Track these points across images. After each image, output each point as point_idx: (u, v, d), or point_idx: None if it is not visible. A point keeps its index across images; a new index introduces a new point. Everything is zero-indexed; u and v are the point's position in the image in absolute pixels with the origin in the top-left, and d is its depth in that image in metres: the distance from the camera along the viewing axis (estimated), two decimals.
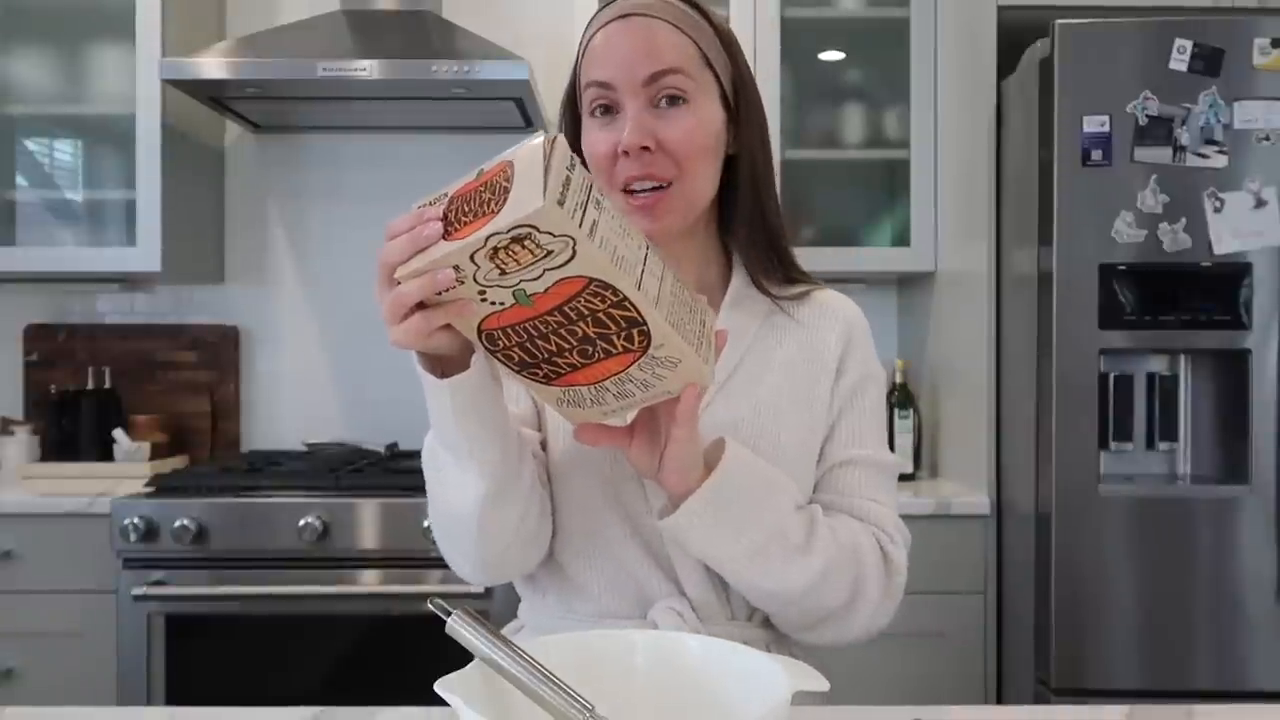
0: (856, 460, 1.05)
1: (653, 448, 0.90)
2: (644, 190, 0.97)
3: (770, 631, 1.04)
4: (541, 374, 0.83)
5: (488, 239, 0.71)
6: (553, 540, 1.02)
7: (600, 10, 1.02)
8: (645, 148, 0.96)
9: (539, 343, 0.79)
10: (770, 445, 1.00)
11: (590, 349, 0.80)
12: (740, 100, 1.03)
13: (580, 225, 0.71)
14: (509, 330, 0.78)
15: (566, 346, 0.80)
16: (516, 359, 0.82)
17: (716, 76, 1.01)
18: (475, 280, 0.74)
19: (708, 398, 1.01)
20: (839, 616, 0.99)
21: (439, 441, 0.91)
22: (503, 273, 0.73)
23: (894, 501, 1.07)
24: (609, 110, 0.99)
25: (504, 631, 1.09)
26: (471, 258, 0.72)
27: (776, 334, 1.07)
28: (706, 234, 1.08)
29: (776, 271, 1.08)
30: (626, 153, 0.96)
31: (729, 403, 1.02)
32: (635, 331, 0.79)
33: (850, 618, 1.00)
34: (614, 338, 0.79)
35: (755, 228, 1.05)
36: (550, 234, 0.70)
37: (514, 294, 0.75)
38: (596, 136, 0.99)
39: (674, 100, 0.97)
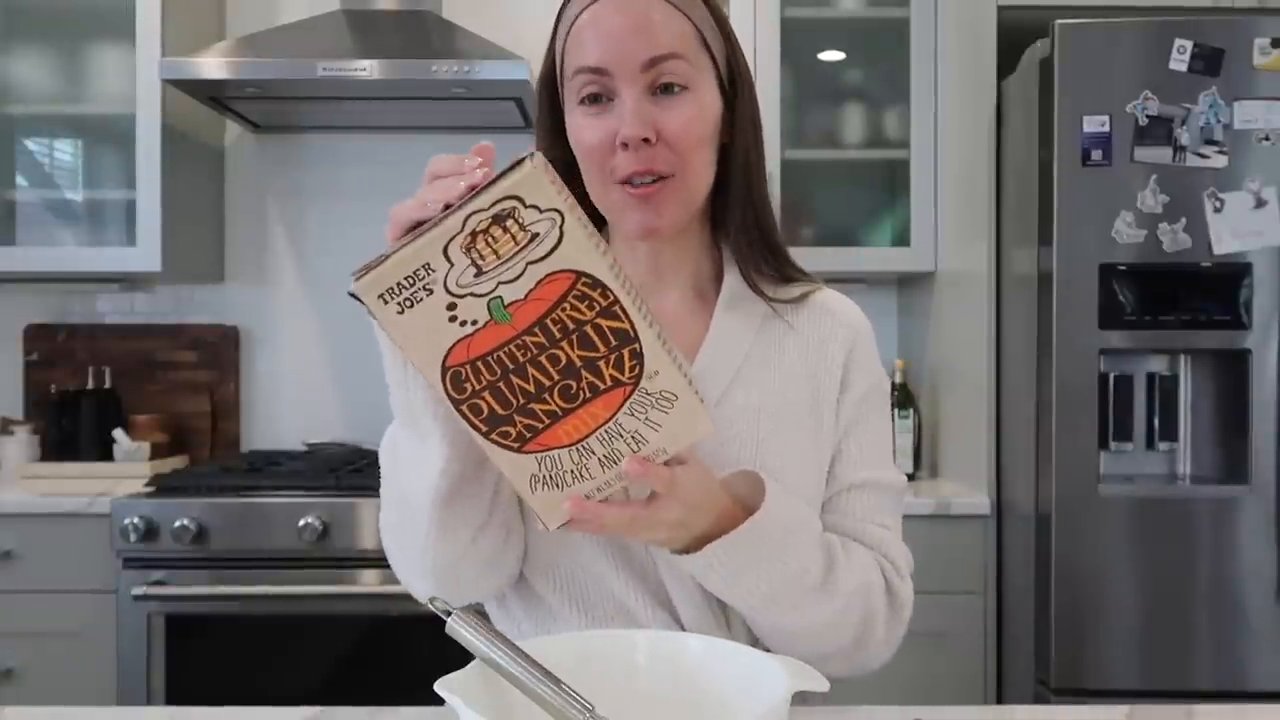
0: (867, 484, 0.98)
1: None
2: (644, 183, 0.90)
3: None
4: (515, 433, 0.72)
5: (466, 219, 0.64)
6: (526, 566, 0.94)
7: None
8: (646, 139, 0.88)
9: (514, 381, 0.70)
10: (776, 465, 0.92)
11: (574, 386, 0.71)
12: (737, 86, 0.96)
13: (565, 200, 0.66)
14: (480, 365, 0.69)
15: (547, 384, 0.71)
16: (486, 411, 0.71)
17: (713, 59, 0.93)
18: (446, 289, 0.66)
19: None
20: (845, 654, 0.94)
21: (400, 418, 0.84)
22: (479, 271, 0.66)
23: (899, 518, 1.01)
24: (601, 97, 0.90)
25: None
26: (445, 251, 0.65)
27: (775, 340, 0.99)
28: (700, 229, 1.00)
29: (770, 269, 0.99)
30: (625, 145, 0.88)
31: (730, 416, 0.94)
32: (626, 353, 0.71)
33: (856, 655, 0.95)
34: (601, 365, 0.71)
35: (748, 222, 0.97)
36: (536, 208, 0.65)
37: (489, 306, 0.67)
38: (588, 125, 0.90)
39: (674, 87, 0.89)
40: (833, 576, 0.89)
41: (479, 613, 0.73)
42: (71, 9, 2.59)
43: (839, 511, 0.98)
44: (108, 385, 2.65)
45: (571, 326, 0.69)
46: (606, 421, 0.73)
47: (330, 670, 2.09)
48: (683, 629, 0.91)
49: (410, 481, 0.85)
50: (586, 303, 0.69)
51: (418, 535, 0.86)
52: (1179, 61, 1.92)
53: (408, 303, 0.66)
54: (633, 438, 0.74)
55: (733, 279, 1.00)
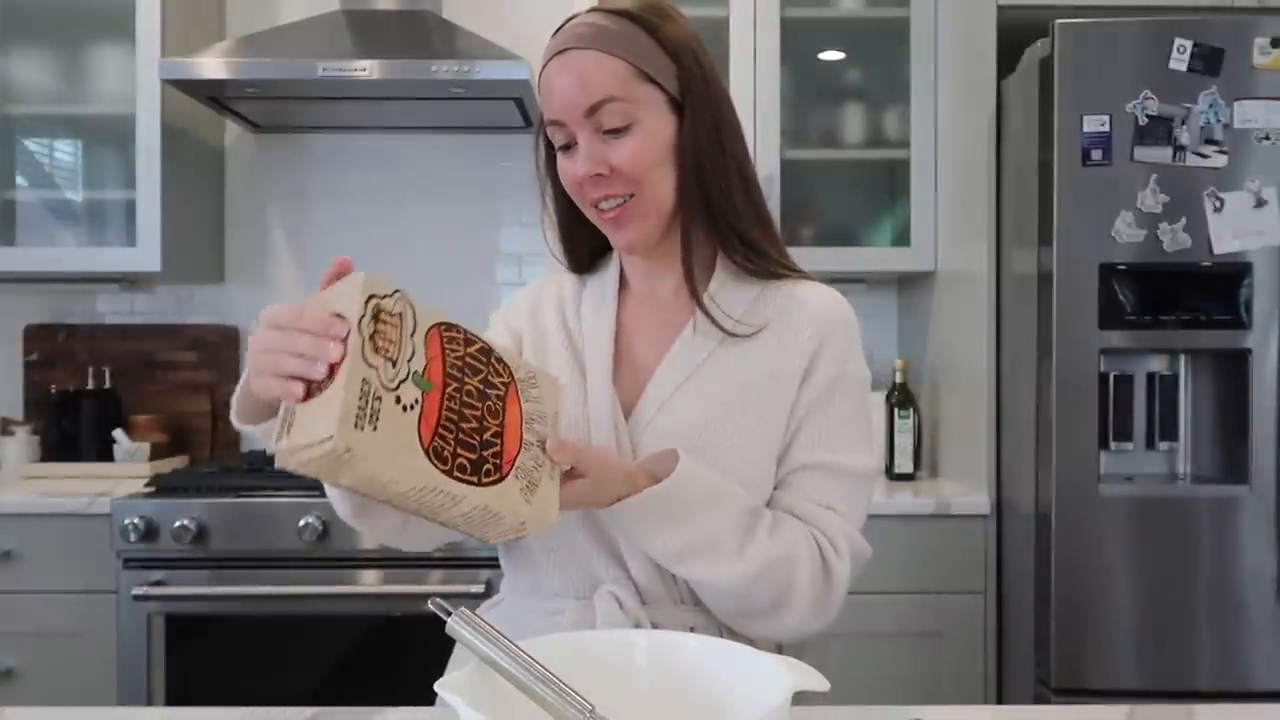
0: (817, 465, 1.04)
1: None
2: (610, 207, 1.03)
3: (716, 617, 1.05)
4: (491, 466, 0.84)
5: (361, 328, 0.75)
6: None
7: (549, 43, 1.05)
8: (600, 174, 1.01)
9: (464, 426, 0.82)
10: (720, 451, 1.01)
11: (491, 402, 0.85)
12: (687, 99, 1.03)
13: (394, 279, 0.80)
14: (443, 431, 0.80)
15: (479, 411, 0.83)
16: (467, 464, 0.82)
17: (660, 85, 1.02)
18: (385, 388, 0.76)
19: (664, 398, 1.04)
20: (766, 616, 1.00)
21: None
22: (393, 363, 0.77)
23: (854, 509, 1.05)
24: (568, 141, 1.03)
25: (484, 607, 1.13)
26: (365, 360, 0.75)
27: (747, 333, 1.07)
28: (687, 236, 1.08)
29: (751, 265, 1.08)
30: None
31: (684, 407, 1.04)
32: (494, 361, 0.86)
33: (776, 620, 1.00)
34: (491, 378, 0.86)
35: (714, 222, 1.06)
36: (386, 295, 0.78)
37: (415, 382, 0.78)
38: (563, 165, 1.05)
39: (617, 127, 1.00)
40: (750, 543, 0.98)
41: (478, 613, 0.74)
42: (71, 9, 2.59)
43: (787, 489, 1.05)
44: (108, 385, 2.65)
45: (461, 364, 0.83)
46: (520, 415, 0.87)
47: (330, 670, 2.09)
48: (632, 581, 1.03)
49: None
50: (454, 342, 0.83)
51: (352, 523, 1.01)
52: (1179, 61, 1.92)
53: (374, 416, 0.75)
54: (538, 416, 0.89)
55: (719, 274, 1.09)
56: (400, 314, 0.78)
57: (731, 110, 1.07)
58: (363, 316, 0.75)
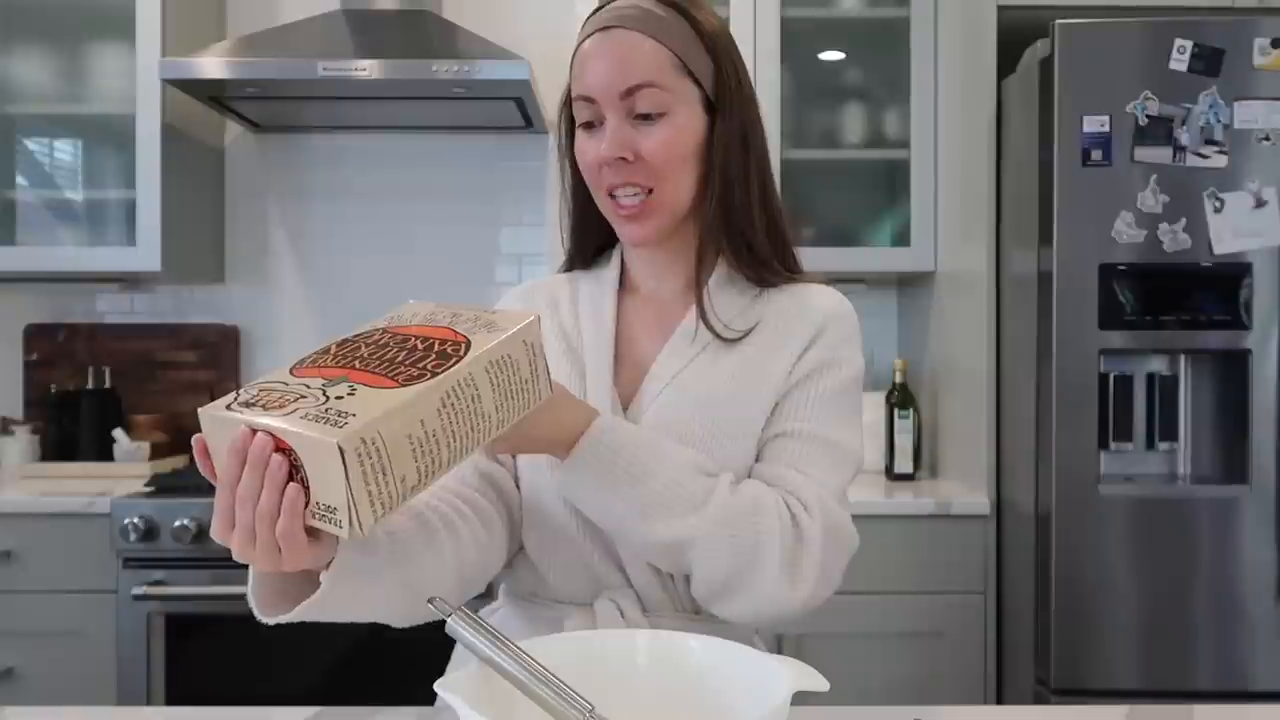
0: (793, 433, 1.01)
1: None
2: (628, 198, 1.02)
3: (717, 625, 1.02)
4: (452, 347, 0.78)
5: (252, 419, 0.73)
6: (523, 531, 1.06)
7: (590, 18, 1.04)
8: (623, 158, 1.00)
9: (398, 358, 0.77)
10: (714, 442, 1.00)
11: (400, 339, 0.80)
12: (721, 102, 1.03)
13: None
14: (391, 371, 0.75)
15: (397, 349, 0.78)
16: (438, 364, 0.76)
17: (697, 82, 1.02)
18: (325, 412, 0.71)
19: (658, 390, 1.03)
20: (739, 583, 0.95)
21: None
22: (310, 390, 0.75)
23: (831, 479, 1.00)
24: (593, 122, 1.02)
25: (484, 610, 1.11)
26: (309, 418, 0.71)
27: (741, 333, 1.07)
28: (693, 231, 1.09)
29: (752, 273, 1.08)
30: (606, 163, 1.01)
31: (679, 398, 1.03)
32: (386, 332, 0.83)
33: (750, 585, 0.95)
34: (383, 334, 0.83)
35: (728, 227, 1.06)
36: (226, 401, 0.77)
37: (327, 386, 0.75)
38: (584, 145, 1.04)
39: (650, 113, 1.00)
40: (713, 495, 0.94)
41: (479, 613, 0.74)
42: (71, 9, 2.59)
43: (762, 458, 1.03)
44: (108, 385, 2.65)
45: (346, 352, 0.81)
46: (438, 329, 0.81)
47: (330, 670, 2.09)
48: (633, 590, 1.02)
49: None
50: (319, 361, 0.82)
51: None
52: (1179, 61, 1.92)
53: (342, 414, 0.71)
54: (458, 317, 0.84)
55: (718, 274, 1.09)
56: (261, 391, 0.76)
57: (758, 112, 1.07)
58: (242, 420, 0.72)
